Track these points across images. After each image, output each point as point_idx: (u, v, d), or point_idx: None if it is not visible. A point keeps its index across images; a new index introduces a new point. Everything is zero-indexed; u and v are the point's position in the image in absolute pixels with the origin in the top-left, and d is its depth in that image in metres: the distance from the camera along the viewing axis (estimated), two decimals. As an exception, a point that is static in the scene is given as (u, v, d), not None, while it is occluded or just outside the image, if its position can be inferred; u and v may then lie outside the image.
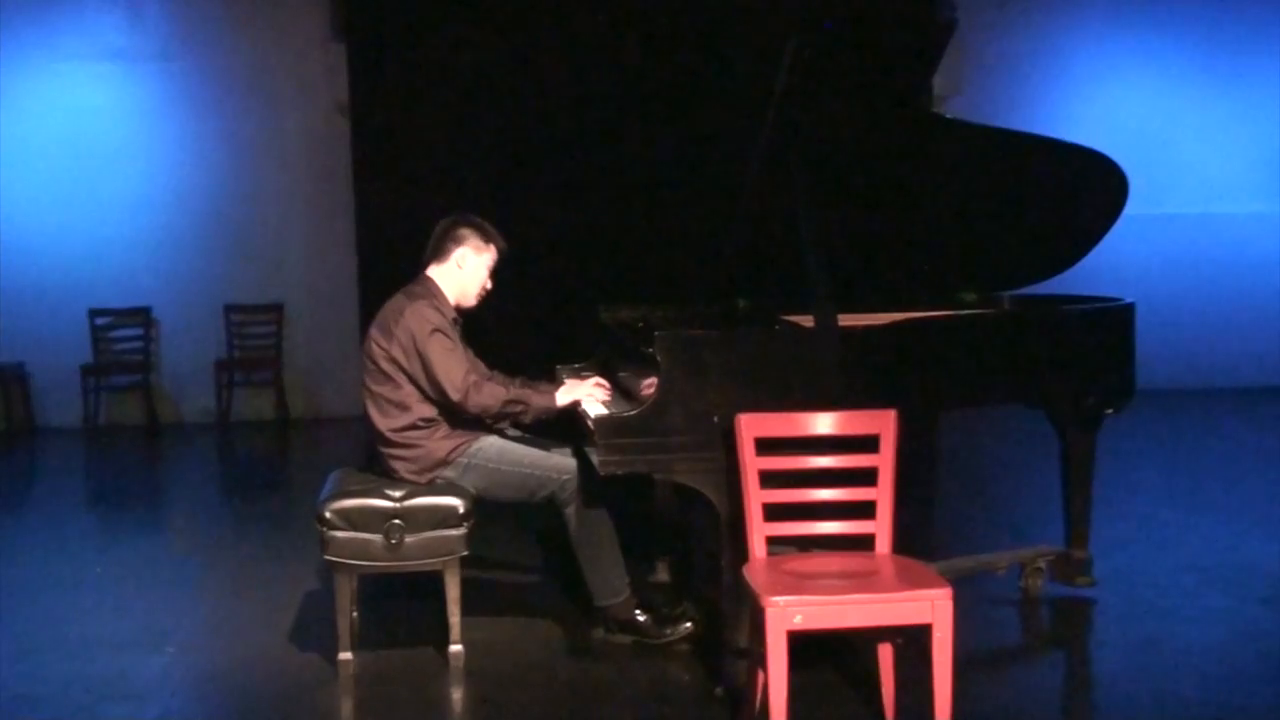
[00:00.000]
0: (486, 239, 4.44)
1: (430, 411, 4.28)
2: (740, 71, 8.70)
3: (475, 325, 4.58)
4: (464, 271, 4.41)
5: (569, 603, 4.76)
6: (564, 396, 4.35)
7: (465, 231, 4.42)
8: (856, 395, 3.86)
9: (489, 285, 4.48)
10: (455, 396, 4.21)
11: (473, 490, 4.27)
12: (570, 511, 4.29)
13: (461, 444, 4.30)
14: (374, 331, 4.36)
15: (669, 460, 3.83)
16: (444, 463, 4.28)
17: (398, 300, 4.38)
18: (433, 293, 4.37)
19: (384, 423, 4.30)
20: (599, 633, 4.42)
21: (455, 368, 4.23)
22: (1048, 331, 4.49)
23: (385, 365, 4.28)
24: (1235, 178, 9.97)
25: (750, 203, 4.49)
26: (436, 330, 4.24)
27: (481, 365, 4.51)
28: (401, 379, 4.27)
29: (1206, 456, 7.69)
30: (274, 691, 4.10)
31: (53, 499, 7.63)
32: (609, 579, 4.33)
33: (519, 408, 4.30)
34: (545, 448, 4.39)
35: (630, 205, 9.19)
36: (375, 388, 4.32)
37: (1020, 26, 9.89)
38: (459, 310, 4.43)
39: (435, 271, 4.43)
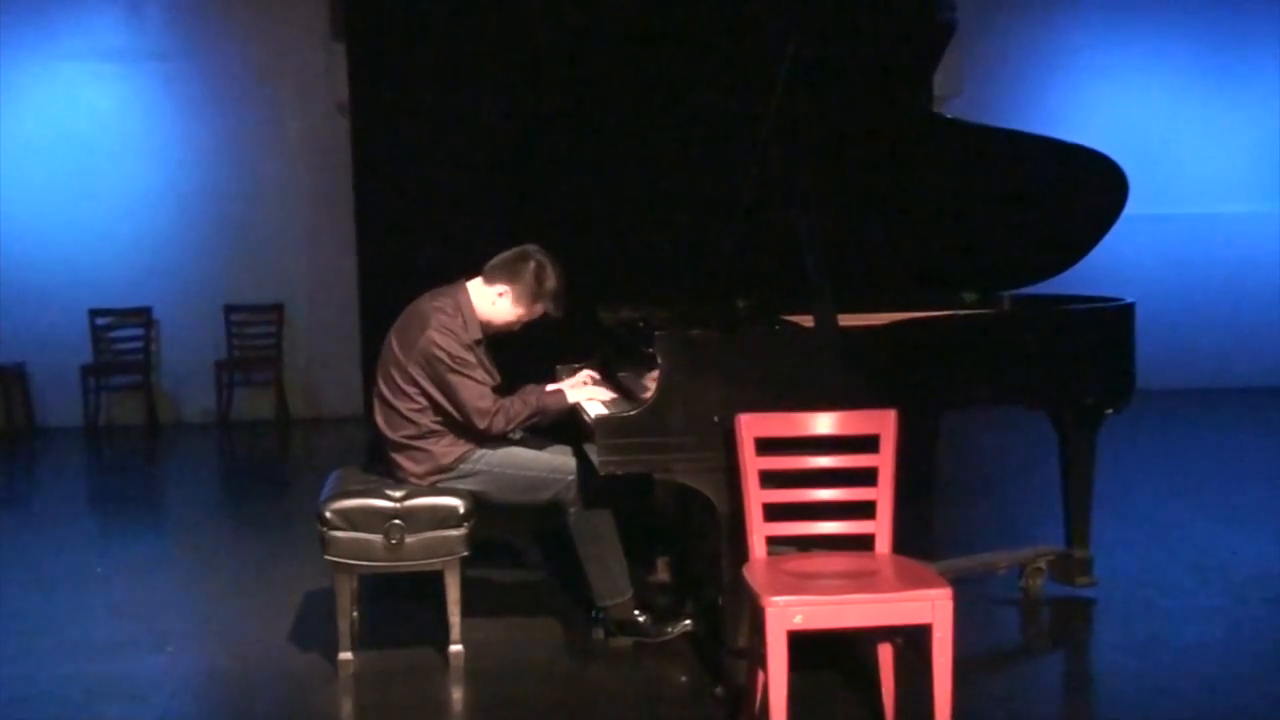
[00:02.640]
0: (536, 298, 4.26)
1: (437, 424, 4.24)
2: (741, 71, 8.68)
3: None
4: (495, 307, 4.30)
5: (569, 603, 4.76)
6: (574, 394, 4.34)
7: (527, 275, 4.25)
8: (856, 395, 3.85)
9: (515, 328, 4.36)
10: (480, 424, 4.18)
11: (478, 494, 4.26)
12: (573, 511, 4.29)
13: (466, 450, 4.28)
14: (394, 338, 4.28)
15: (669, 460, 3.82)
16: (448, 469, 4.27)
17: (422, 307, 4.27)
18: (461, 307, 4.26)
19: (390, 431, 4.28)
20: (599, 635, 4.42)
21: (478, 398, 4.18)
22: (1048, 331, 4.49)
23: (399, 377, 4.22)
24: (1235, 178, 9.96)
25: (750, 203, 4.49)
26: (457, 359, 4.16)
27: (496, 374, 4.38)
28: (413, 392, 4.21)
29: (1206, 456, 7.69)
30: (274, 691, 4.10)
31: (53, 499, 7.63)
32: (611, 578, 4.32)
33: (536, 418, 4.29)
34: (547, 448, 4.39)
35: (630, 205, 9.17)
36: (386, 394, 4.27)
37: (1020, 26, 9.89)
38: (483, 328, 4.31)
39: (476, 285, 4.32)
